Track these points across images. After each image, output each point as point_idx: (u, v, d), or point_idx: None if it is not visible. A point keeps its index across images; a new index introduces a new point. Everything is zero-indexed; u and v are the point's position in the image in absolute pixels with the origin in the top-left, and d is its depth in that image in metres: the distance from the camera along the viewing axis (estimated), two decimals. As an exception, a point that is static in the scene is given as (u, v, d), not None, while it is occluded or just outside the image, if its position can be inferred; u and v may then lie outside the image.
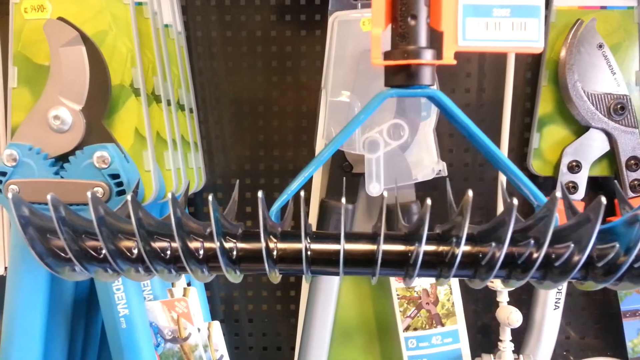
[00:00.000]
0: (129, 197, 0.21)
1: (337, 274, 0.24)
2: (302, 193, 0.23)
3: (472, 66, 0.49)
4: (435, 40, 0.24)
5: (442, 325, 0.46)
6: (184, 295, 0.38)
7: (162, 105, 0.39)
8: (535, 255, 0.22)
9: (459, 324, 0.46)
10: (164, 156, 0.39)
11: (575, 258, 0.22)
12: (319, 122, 0.44)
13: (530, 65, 0.48)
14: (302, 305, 0.46)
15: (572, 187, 0.45)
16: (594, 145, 0.45)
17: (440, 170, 0.47)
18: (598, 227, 0.20)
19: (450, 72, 0.48)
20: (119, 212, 0.31)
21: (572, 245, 0.22)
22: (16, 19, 0.35)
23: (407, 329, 0.45)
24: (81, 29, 0.34)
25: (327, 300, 0.46)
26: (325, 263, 0.24)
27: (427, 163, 0.46)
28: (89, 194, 0.20)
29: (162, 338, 0.38)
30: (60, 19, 0.34)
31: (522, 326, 0.45)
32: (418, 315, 0.46)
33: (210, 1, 0.49)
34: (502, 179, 0.45)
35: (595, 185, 0.49)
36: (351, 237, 0.24)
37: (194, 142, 0.47)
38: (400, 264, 0.24)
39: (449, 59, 0.24)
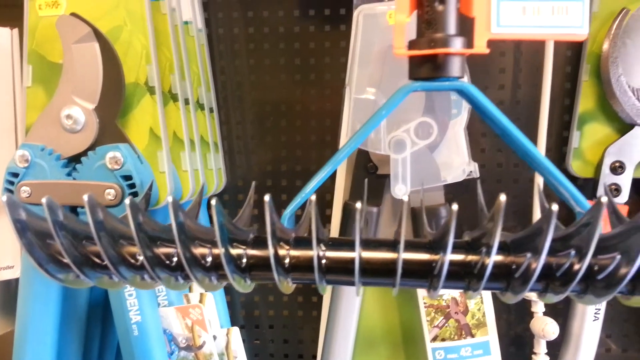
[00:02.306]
0: (127, 201, 0.19)
1: (353, 283, 0.22)
2: (313, 197, 0.21)
3: (506, 61, 0.46)
4: (466, 27, 0.22)
5: (472, 336, 0.43)
6: (200, 301, 0.37)
7: (180, 104, 0.37)
8: (576, 266, 0.20)
9: (490, 335, 0.43)
10: (180, 157, 0.37)
11: (623, 270, 0.19)
12: (343, 121, 0.42)
13: (570, 59, 0.45)
14: (325, 312, 0.44)
15: (615, 190, 0.42)
16: (639, 144, 0.42)
17: (471, 172, 0.44)
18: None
19: (482, 68, 0.46)
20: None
21: (619, 256, 0.19)
22: (31, 16, 0.34)
23: (434, 339, 0.43)
24: (95, 25, 0.33)
25: (350, 308, 0.44)
26: (340, 272, 0.22)
27: (458, 164, 0.44)
28: (85, 197, 0.19)
29: (176, 346, 0.36)
30: (73, 14, 0.33)
31: (558, 338, 0.42)
32: (446, 325, 0.43)
33: (231, -3, 0.47)
34: (539, 181, 0.42)
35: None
36: (369, 244, 0.22)
37: (213, 142, 0.46)
38: (424, 275, 0.22)
39: (480, 47, 0.22)
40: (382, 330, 0.46)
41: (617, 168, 0.42)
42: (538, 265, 0.18)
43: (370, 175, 0.44)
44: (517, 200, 0.47)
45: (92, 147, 0.33)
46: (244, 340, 0.47)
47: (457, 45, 0.21)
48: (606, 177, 0.42)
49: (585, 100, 0.43)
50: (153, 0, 0.36)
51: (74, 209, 0.33)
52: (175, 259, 0.21)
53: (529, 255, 0.19)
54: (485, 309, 0.42)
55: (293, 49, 0.47)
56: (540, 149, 0.41)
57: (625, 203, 0.43)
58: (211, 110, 0.47)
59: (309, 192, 0.24)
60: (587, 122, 0.43)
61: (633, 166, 0.42)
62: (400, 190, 0.42)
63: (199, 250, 0.21)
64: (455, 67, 0.22)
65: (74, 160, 0.33)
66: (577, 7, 0.22)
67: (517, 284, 0.20)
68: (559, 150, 0.46)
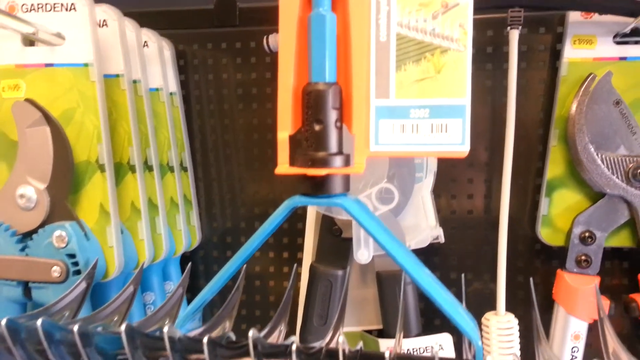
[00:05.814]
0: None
1: None
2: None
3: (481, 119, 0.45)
4: (349, 143, 0.22)
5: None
6: None
7: (137, 175, 0.39)
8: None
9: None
10: (137, 226, 0.39)
11: None
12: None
13: (543, 122, 0.44)
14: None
15: (585, 261, 0.40)
16: (610, 213, 0.40)
17: (438, 237, 0.44)
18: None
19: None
20: (71, 295, 0.31)
21: None
22: (-5, 97, 0.37)
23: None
24: (46, 110, 0.34)
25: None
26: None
27: (424, 228, 0.43)
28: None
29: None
30: (28, 100, 0.35)
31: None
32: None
33: (207, 60, 0.49)
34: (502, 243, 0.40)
35: (618, 254, 0.44)
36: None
37: (187, 201, 0.47)
38: None
39: (359, 165, 0.22)
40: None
41: (587, 238, 0.40)
42: None
43: (335, 238, 0.44)
44: (487, 262, 0.46)
45: (42, 225, 0.34)
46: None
47: (336, 163, 0.21)
48: (575, 247, 0.41)
49: (554, 166, 0.42)
50: (112, 77, 0.38)
51: (26, 284, 0.35)
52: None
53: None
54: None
55: (265, 109, 0.48)
56: (502, 214, 0.40)
57: (598, 274, 0.41)
58: (185, 169, 0.48)
59: (200, 303, 0.24)
60: (556, 188, 0.42)
61: (605, 235, 0.40)
62: (363, 255, 0.41)
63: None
64: (336, 184, 0.22)
65: (28, 236, 0.35)
66: (457, 124, 0.21)
67: None
68: (532, 215, 0.45)
